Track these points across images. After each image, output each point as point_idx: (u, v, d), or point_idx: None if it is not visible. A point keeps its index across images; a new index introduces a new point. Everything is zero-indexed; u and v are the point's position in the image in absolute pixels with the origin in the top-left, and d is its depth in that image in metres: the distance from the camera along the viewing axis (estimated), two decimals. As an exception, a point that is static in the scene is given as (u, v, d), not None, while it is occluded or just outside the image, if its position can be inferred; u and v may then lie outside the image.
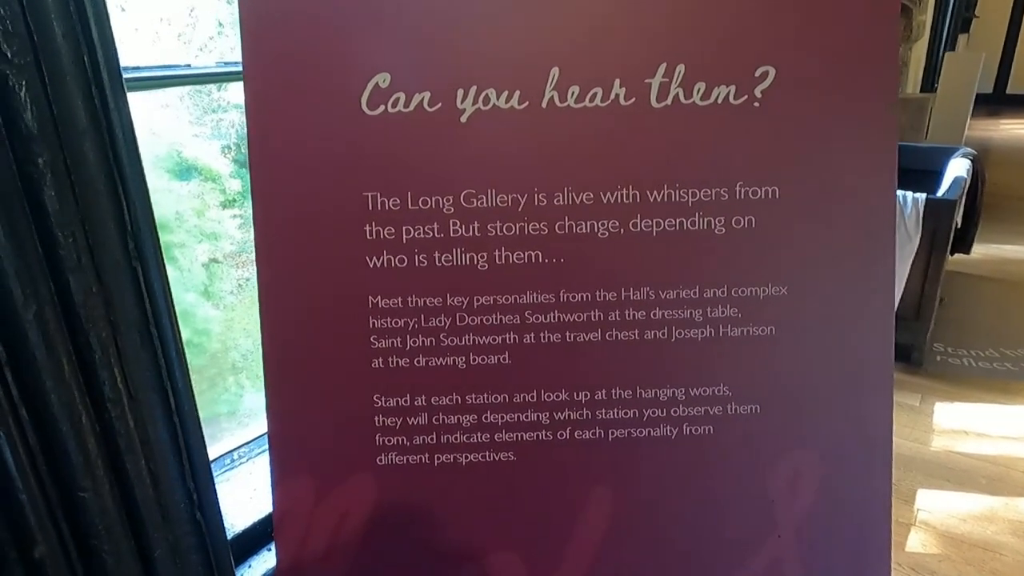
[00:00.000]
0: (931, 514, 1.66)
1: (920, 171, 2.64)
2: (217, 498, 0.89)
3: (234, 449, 1.26)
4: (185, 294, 1.25)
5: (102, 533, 0.74)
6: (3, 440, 0.65)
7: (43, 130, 0.63)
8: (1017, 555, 1.52)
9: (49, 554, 0.71)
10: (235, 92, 1.18)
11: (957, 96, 4.47)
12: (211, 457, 1.18)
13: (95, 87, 0.67)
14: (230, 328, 1.36)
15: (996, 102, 7.62)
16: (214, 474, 1.16)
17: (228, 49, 1.13)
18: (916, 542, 1.57)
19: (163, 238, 1.18)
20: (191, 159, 1.22)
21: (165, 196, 1.19)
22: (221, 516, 0.90)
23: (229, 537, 1.04)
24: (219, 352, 1.36)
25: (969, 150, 2.59)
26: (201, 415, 0.84)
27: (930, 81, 5.36)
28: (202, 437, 0.85)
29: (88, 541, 0.75)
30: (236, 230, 1.30)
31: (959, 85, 4.47)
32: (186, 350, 0.81)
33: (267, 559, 1.11)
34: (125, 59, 0.96)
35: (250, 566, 1.10)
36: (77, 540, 0.74)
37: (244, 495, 1.17)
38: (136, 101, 1.08)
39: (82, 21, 0.65)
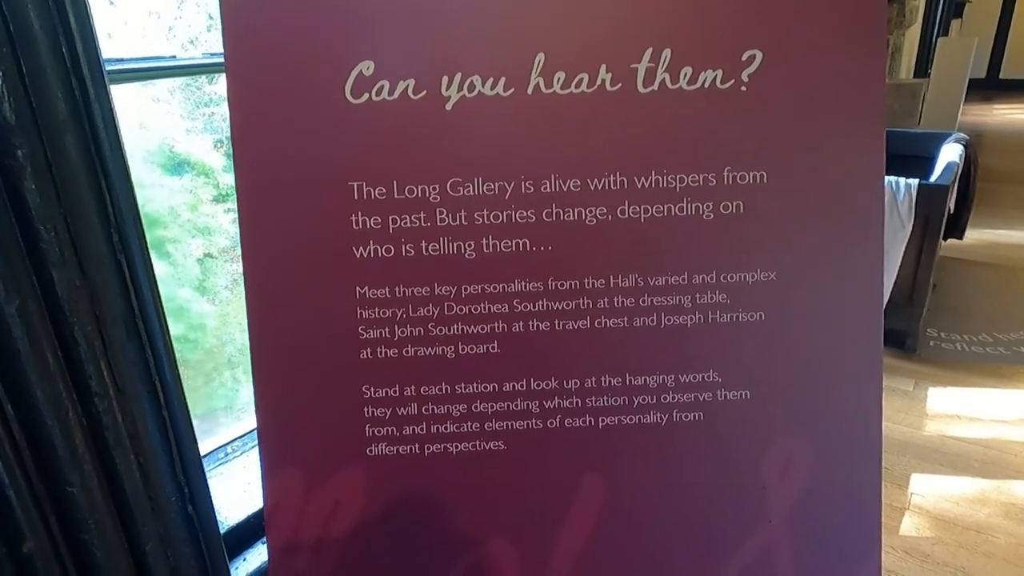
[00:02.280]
0: (924, 498, 1.67)
1: (913, 157, 2.64)
2: (209, 491, 0.89)
3: (228, 443, 1.26)
4: (179, 289, 1.25)
5: (91, 527, 0.74)
6: (-12, 435, 0.65)
7: (22, 122, 0.62)
8: (1010, 537, 1.53)
9: (38, 549, 0.71)
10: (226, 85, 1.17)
11: (950, 81, 4.47)
12: (205, 451, 1.18)
13: (75, 78, 0.66)
14: (225, 323, 1.35)
15: (989, 87, 7.61)
16: (208, 468, 1.16)
17: (219, 41, 1.12)
18: (910, 526, 1.58)
19: (156, 233, 1.18)
20: (183, 154, 1.21)
21: (158, 191, 1.18)
22: (213, 509, 0.90)
23: (223, 530, 1.04)
24: (214, 347, 1.36)
25: (962, 135, 2.59)
26: (197, 410, 0.84)
27: (923, 67, 5.36)
28: (192, 430, 0.85)
29: (78, 536, 0.74)
30: (230, 225, 1.29)
31: (952, 70, 4.47)
32: (182, 345, 0.80)
33: (261, 552, 1.11)
34: (115, 52, 0.95)
35: (244, 559, 1.10)
36: (66, 535, 0.74)
37: (238, 488, 1.17)
38: (126, 95, 1.07)
39: (60, 12, 0.64)
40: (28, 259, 0.65)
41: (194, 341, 1.31)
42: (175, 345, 0.82)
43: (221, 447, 1.25)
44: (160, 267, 1.20)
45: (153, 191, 1.18)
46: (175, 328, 1.23)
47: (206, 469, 0.90)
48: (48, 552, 0.72)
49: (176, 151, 1.20)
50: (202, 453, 0.89)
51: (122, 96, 1.07)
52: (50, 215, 0.65)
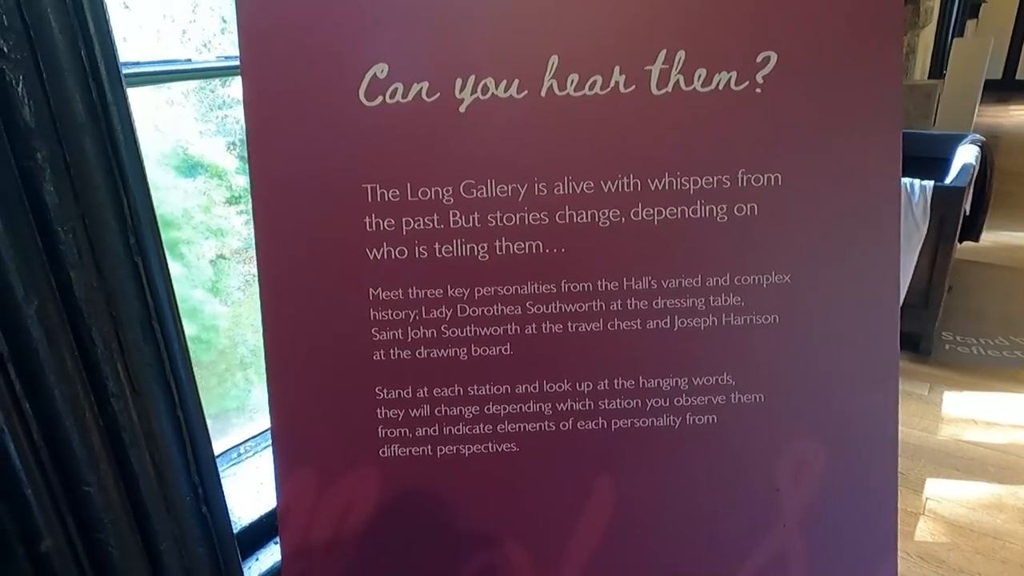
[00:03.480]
0: (940, 503, 1.65)
1: (928, 158, 2.61)
2: (223, 491, 0.89)
3: (241, 443, 1.27)
4: (193, 290, 1.26)
5: (107, 527, 0.75)
6: (7, 435, 0.66)
7: (41, 125, 0.63)
8: (1027, 543, 1.51)
9: (55, 548, 0.71)
10: (240, 88, 1.18)
11: (965, 82, 4.43)
12: (218, 451, 1.19)
13: (93, 82, 0.67)
14: (238, 324, 1.36)
15: (1005, 88, 7.53)
16: (221, 468, 1.17)
17: (232, 44, 1.13)
18: (925, 531, 1.56)
19: (170, 235, 1.19)
20: (197, 156, 1.22)
21: (172, 193, 1.19)
22: (227, 509, 0.91)
23: (236, 530, 1.05)
24: (227, 348, 1.36)
25: (978, 137, 2.56)
26: (211, 410, 0.84)
27: (938, 67, 5.31)
28: (206, 430, 0.85)
29: (94, 535, 0.75)
30: (242, 226, 1.30)
31: (967, 71, 4.43)
32: (195, 346, 0.81)
33: (274, 552, 1.11)
34: (130, 56, 0.96)
35: (257, 559, 1.11)
36: (83, 534, 0.75)
37: (251, 488, 1.18)
38: (141, 98, 1.08)
39: (79, 16, 0.65)
40: (47, 261, 0.66)
41: (207, 342, 1.31)
42: (188, 346, 0.83)
43: (234, 447, 1.26)
44: (174, 268, 1.20)
45: (167, 193, 1.19)
46: (188, 329, 1.23)
47: (219, 469, 0.90)
48: (65, 551, 0.73)
49: (190, 153, 1.21)
50: (215, 453, 0.90)
51: (137, 99, 1.08)
52: (68, 217, 0.66)
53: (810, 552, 0.83)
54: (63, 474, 0.72)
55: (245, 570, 1.06)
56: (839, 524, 0.83)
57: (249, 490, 1.17)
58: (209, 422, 0.87)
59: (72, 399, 0.69)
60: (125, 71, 0.73)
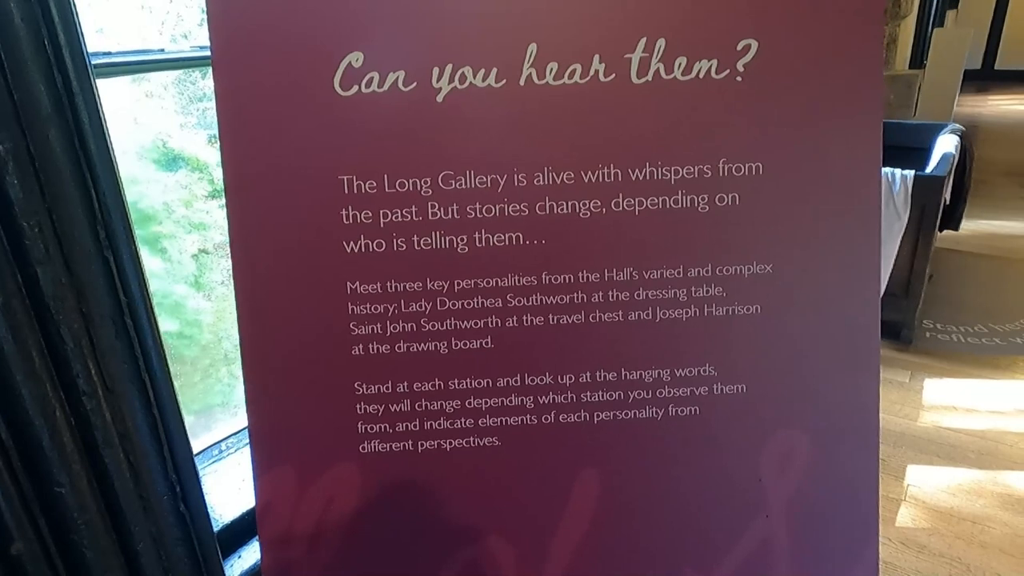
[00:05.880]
0: (921, 489, 1.67)
1: (909, 148, 2.64)
2: (202, 489, 0.88)
3: (222, 440, 1.25)
4: (175, 286, 1.24)
5: (81, 528, 0.73)
6: (-26, 436, 0.64)
7: (3, 116, 0.61)
8: (1006, 528, 1.53)
9: (28, 551, 0.70)
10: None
11: (946, 72, 4.47)
12: (200, 448, 1.17)
13: (58, 72, 0.65)
14: (221, 319, 1.35)
15: (985, 78, 7.61)
16: (203, 465, 1.15)
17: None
18: (906, 517, 1.58)
19: (151, 229, 1.17)
20: (177, 149, 1.20)
21: (152, 187, 1.17)
22: (206, 507, 0.89)
23: (217, 528, 1.04)
24: (211, 343, 1.35)
25: (958, 126, 2.59)
26: (194, 406, 0.83)
27: (919, 58, 5.35)
28: (183, 428, 0.84)
29: (68, 536, 0.74)
30: (224, 220, 1.28)
31: (948, 61, 4.46)
32: (178, 342, 0.79)
33: (256, 549, 1.10)
34: (108, 46, 0.93)
35: (239, 556, 1.09)
36: (56, 536, 0.73)
37: (233, 485, 1.17)
38: (119, 90, 1.06)
39: (42, 4, 0.63)
40: (11, 256, 0.64)
41: (190, 337, 1.30)
42: (171, 342, 0.81)
43: (215, 444, 1.24)
44: (155, 263, 1.19)
45: (147, 187, 1.17)
46: (171, 324, 1.22)
47: (201, 466, 0.89)
48: (38, 553, 0.71)
49: (170, 146, 1.19)
50: (198, 450, 0.88)
51: (115, 91, 1.06)
52: (34, 211, 0.64)
53: (793, 541, 0.83)
54: (34, 475, 0.70)
55: (227, 568, 1.05)
56: (821, 512, 0.83)
57: (231, 487, 1.16)
58: (193, 418, 0.86)
59: (41, 398, 0.67)
60: (95, 61, 0.71)
